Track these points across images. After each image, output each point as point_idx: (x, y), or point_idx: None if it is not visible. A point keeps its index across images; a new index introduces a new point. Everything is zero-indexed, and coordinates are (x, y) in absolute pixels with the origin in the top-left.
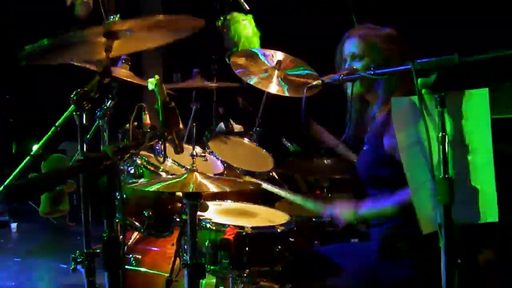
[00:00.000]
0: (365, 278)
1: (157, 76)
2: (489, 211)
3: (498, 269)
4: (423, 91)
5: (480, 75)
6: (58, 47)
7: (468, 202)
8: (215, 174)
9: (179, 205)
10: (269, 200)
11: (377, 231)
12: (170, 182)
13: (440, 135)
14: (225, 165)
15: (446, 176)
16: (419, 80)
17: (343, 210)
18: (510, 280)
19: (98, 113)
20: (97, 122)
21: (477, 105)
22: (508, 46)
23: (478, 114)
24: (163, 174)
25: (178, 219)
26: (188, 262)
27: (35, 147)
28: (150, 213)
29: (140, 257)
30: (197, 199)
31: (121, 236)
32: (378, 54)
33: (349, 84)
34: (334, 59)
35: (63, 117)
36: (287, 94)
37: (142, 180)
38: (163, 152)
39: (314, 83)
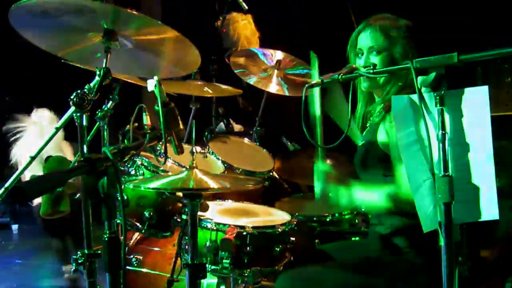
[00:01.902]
0: (365, 272)
1: (156, 77)
2: (490, 209)
3: (498, 268)
4: (423, 89)
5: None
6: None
7: (469, 200)
8: None
9: (180, 205)
10: (269, 199)
11: (377, 230)
12: (170, 179)
13: (440, 133)
14: (225, 165)
15: (446, 174)
16: (418, 78)
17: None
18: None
19: (99, 114)
20: (97, 123)
21: (477, 103)
22: (507, 44)
23: (478, 112)
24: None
25: (179, 219)
26: (189, 262)
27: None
28: (151, 214)
29: (141, 257)
30: (198, 199)
31: (122, 237)
32: (397, 49)
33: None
34: (347, 49)
35: (63, 118)
36: (287, 93)
37: (141, 177)
38: (163, 153)
39: (313, 82)
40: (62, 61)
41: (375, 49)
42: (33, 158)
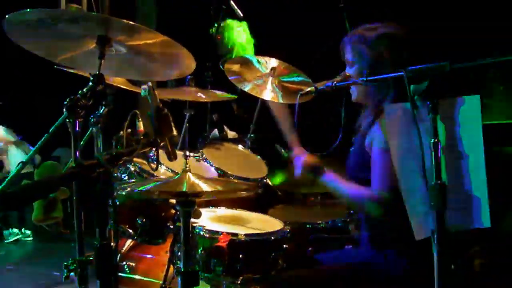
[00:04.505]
0: (359, 274)
1: (150, 83)
2: (482, 216)
3: (496, 270)
4: (416, 97)
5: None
6: (45, 25)
7: (461, 208)
8: None
9: (173, 212)
10: (262, 207)
11: (367, 236)
12: (163, 183)
13: (432, 141)
14: (219, 171)
15: (439, 181)
16: (411, 86)
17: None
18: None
19: (92, 120)
20: (90, 129)
21: (469, 111)
22: (499, 52)
23: (470, 120)
24: None
25: (171, 226)
26: (182, 270)
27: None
28: (144, 220)
29: (134, 264)
30: (191, 206)
31: (114, 244)
32: (365, 61)
33: (353, 89)
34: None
35: (55, 124)
36: (281, 100)
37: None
38: (156, 159)
39: (307, 89)
40: (55, 66)
41: (349, 62)
42: (24, 164)
